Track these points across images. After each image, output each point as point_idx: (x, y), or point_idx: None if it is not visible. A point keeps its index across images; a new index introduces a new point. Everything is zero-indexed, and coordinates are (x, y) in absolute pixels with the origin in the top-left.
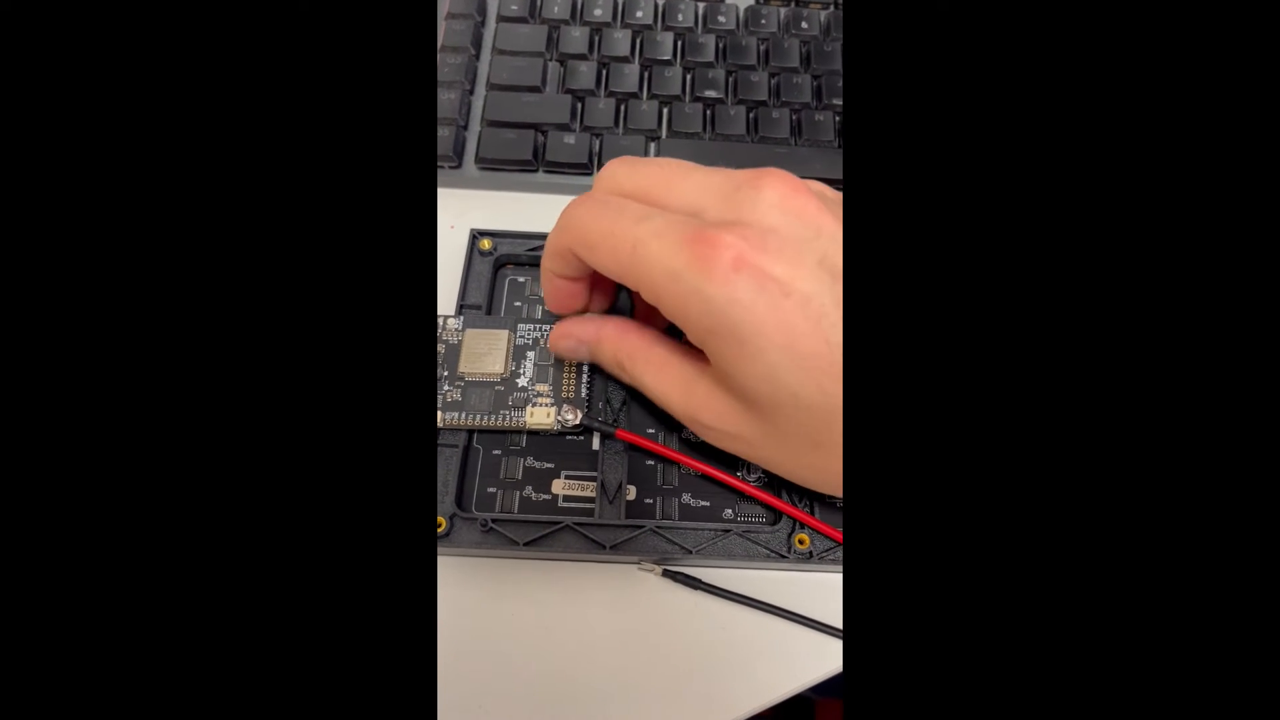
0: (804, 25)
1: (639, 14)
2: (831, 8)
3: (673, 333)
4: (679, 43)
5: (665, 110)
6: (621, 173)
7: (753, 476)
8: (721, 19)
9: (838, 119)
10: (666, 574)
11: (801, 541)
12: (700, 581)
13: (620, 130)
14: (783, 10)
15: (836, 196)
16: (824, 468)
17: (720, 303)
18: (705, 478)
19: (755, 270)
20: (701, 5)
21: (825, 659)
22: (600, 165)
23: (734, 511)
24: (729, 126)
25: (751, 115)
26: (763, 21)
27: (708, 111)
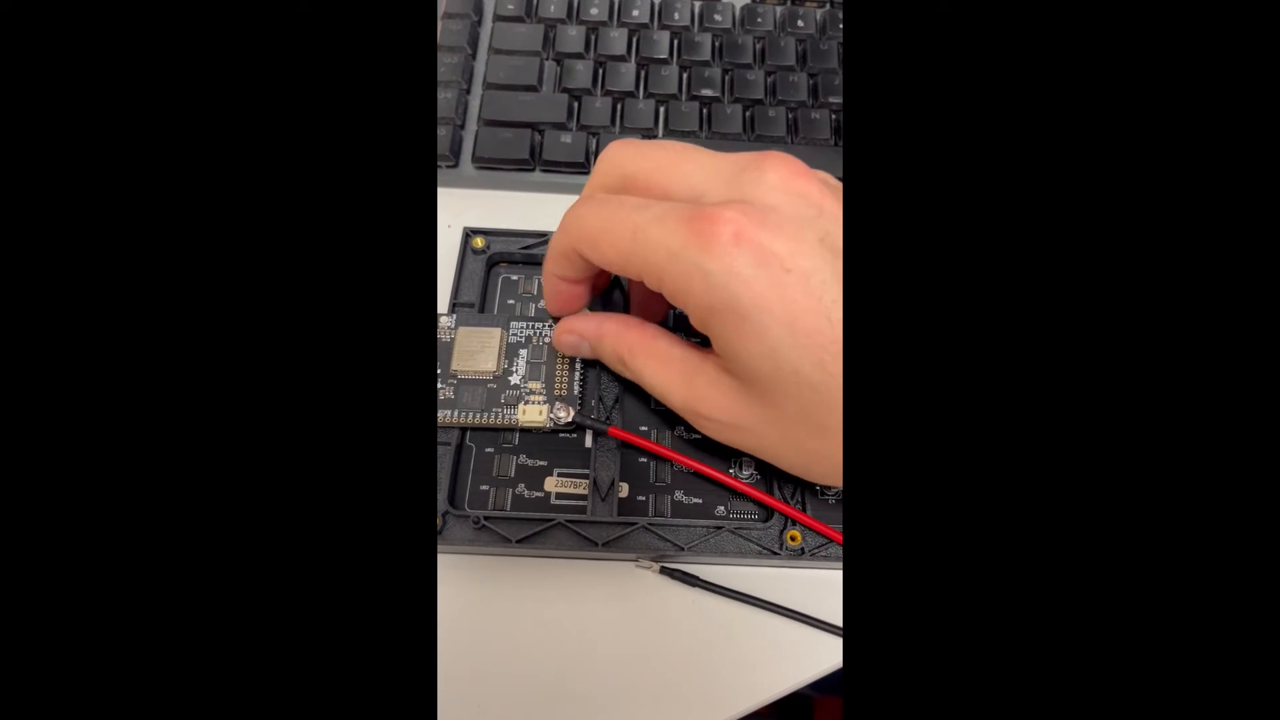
0: (800, 24)
1: (635, 13)
2: (827, 6)
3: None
4: (675, 41)
5: (662, 109)
6: (625, 154)
7: (745, 474)
8: (718, 17)
9: (834, 117)
10: (664, 571)
11: (793, 538)
12: (698, 579)
13: (617, 129)
14: (779, 9)
15: (839, 184)
16: (828, 454)
17: (720, 277)
18: (698, 475)
19: (755, 245)
20: (698, 4)
21: (822, 656)
22: None
23: (726, 508)
24: (726, 125)
25: (748, 113)
26: (759, 20)
27: (704, 110)
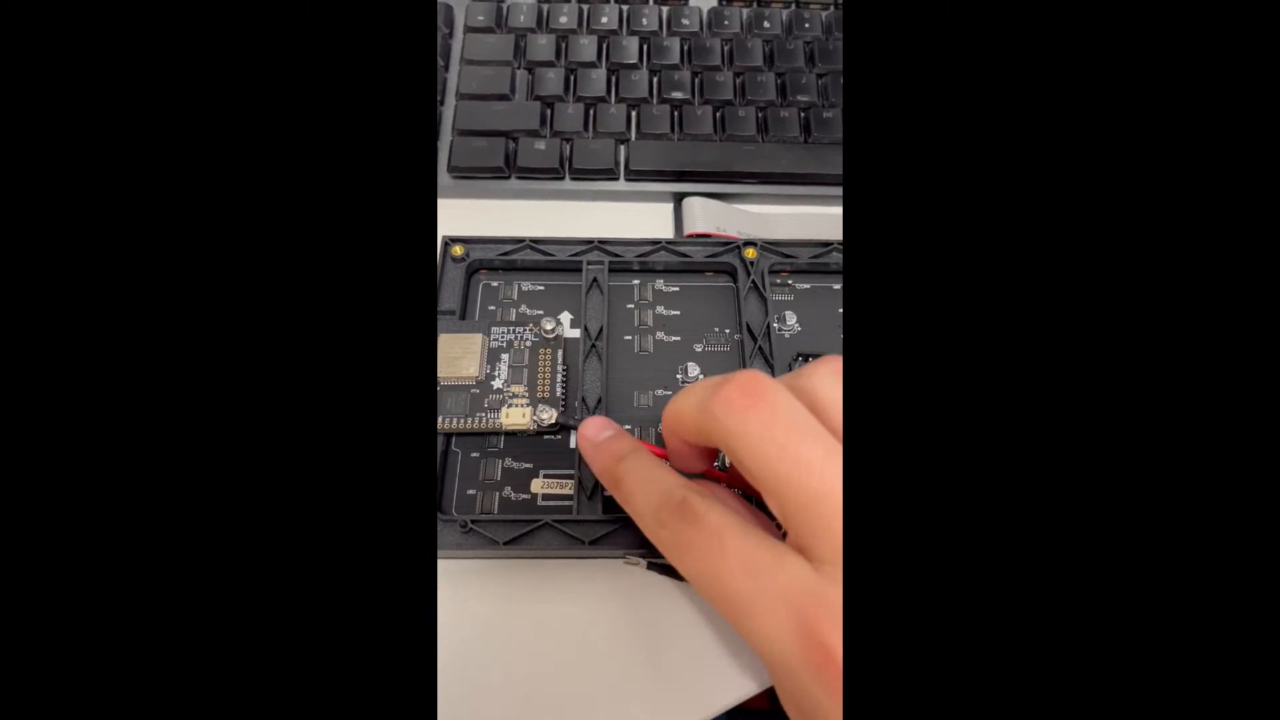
0: (766, 25)
1: (604, 19)
2: (793, 6)
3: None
4: (644, 46)
5: (633, 113)
6: None
7: (727, 464)
8: (685, 21)
9: (802, 115)
10: (651, 566)
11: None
12: None
13: (590, 134)
14: (745, 11)
15: None
16: None
17: None
18: (679, 472)
19: None
20: (665, 9)
21: None
22: (571, 169)
23: None
24: (696, 126)
25: (718, 114)
26: (725, 23)
27: (675, 112)
